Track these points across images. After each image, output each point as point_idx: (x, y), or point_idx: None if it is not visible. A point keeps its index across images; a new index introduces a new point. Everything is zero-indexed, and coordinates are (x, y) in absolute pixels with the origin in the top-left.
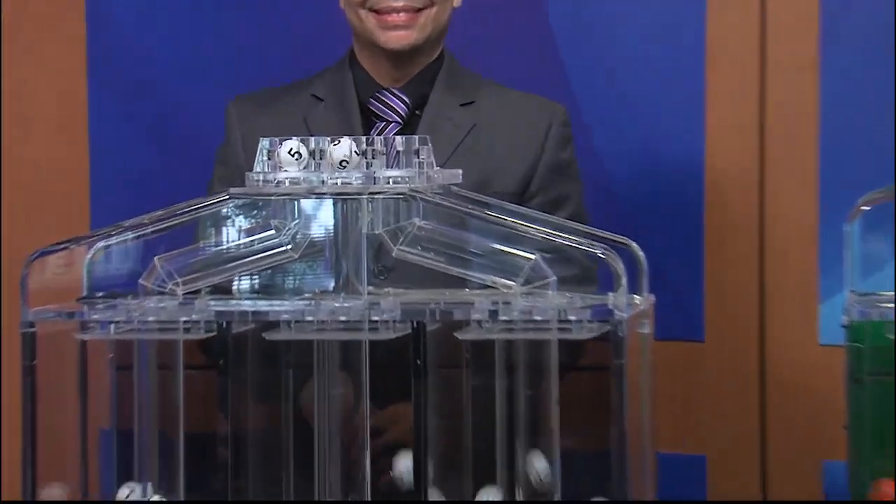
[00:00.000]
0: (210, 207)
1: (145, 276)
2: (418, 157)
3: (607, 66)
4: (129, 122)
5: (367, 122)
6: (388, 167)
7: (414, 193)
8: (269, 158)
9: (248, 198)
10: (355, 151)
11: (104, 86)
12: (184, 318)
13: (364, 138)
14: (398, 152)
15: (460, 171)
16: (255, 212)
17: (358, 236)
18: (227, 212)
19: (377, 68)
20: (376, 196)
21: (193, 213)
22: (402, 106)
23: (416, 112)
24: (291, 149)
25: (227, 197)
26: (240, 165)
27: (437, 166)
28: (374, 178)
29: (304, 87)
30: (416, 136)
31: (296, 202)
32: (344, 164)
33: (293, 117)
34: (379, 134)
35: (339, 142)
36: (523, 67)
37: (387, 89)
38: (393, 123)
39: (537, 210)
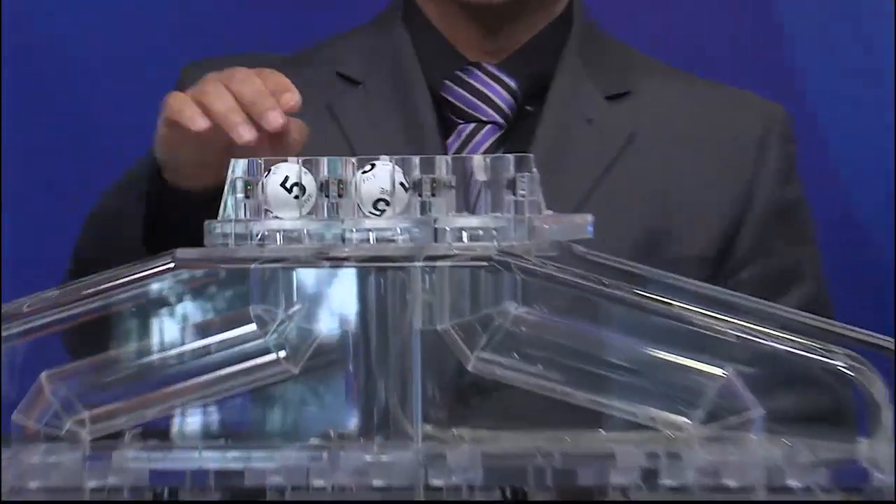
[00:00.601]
0: (139, 284)
1: (24, 406)
2: (515, 193)
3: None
4: (40, 127)
5: (443, 123)
6: (461, 211)
7: (506, 259)
8: (246, 195)
9: (207, 266)
10: (402, 183)
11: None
12: (93, 485)
13: (421, 162)
14: (479, 184)
15: (590, 219)
16: (222, 290)
17: (406, 335)
18: (170, 290)
19: (456, 31)
20: (438, 264)
21: (110, 293)
22: (505, 95)
23: (528, 107)
24: (287, 178)
25: (171, 263)
26: None
27: (548, 209)
28: (436, 230)
29: (321, 59)
30: (512, 156)
31: (293, 274)
32: (382, 205)
33: (307, 111)
34: (463, 146)
35: (374, 166)
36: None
37: (475, 65)
38: (489, 127)
39: (744, 290)
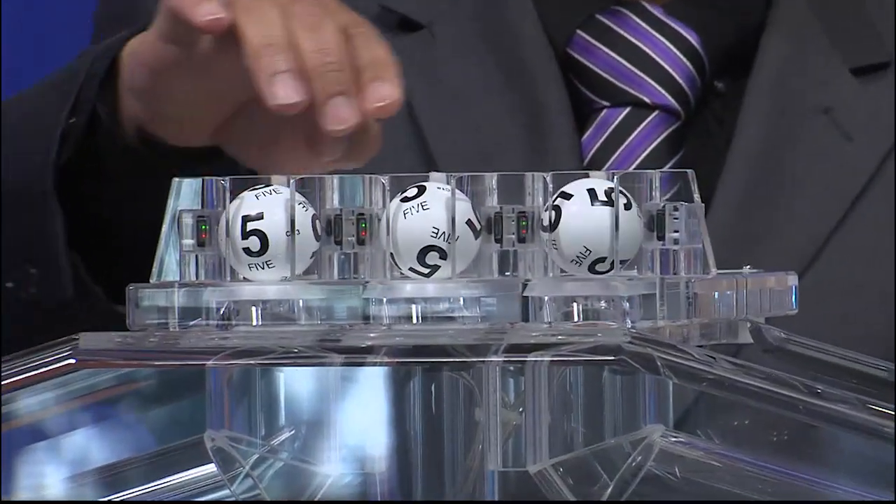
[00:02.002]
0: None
1: None
2: (663, 237)
3: None
4: None
5: (575, 104)
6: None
7: (649, 352)
8: (198, 241)
9: (129, 365)
10: (469, 221)
11: None
12: None
13: (501, 183)
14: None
15: (794, 281)
16: (155, 406)
17: (475, 481)
18: (65, 403)
19: None
20: (531, 360)
21: None
22: (682, 61)
23: (717, 84)
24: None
25: (70, 359)
26: None
27: (749, 267)
28: (528, 301)
29: None
30: (657, 174)
31: (279, 379)
32: (434, 257)
33: None
34: (611, 146)
35: (421, 190)
36: None
37: (630, 6)
38: (656, 115)
39: None
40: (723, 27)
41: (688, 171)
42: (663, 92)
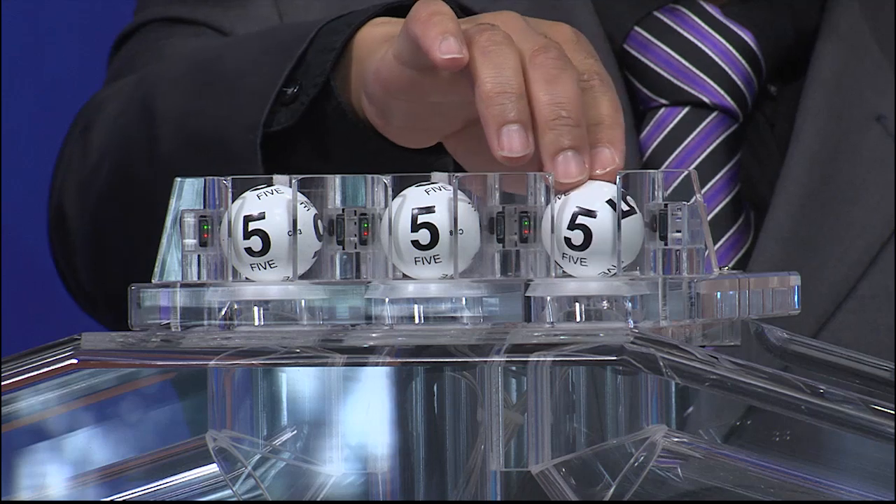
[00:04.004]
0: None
1: None
2: (666, 237)
3: None
4: None
5: (631, 101)
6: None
7: (651, 352)
8: (200, 241)
9: (129, 365)
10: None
11: None
12: None
13: (503, 181)
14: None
15: (796, 282)
16: (156, 405)
17: (477, 481)
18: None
19: None
20: (534, 360)
21: None
22: (740, 62)
23: (771, 87)
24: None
25: (72, 359)
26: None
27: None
28: (530, 301)
29: None
30: (659, 174)
31: (281, 379)
32: (433, 257)
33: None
34: (668, 146)
35: (425, 189)
36: None
37: (689, 4)
38: (715, 116)
39: None
40: (779, 29)
41: (690, 170)
42: (722, 92)
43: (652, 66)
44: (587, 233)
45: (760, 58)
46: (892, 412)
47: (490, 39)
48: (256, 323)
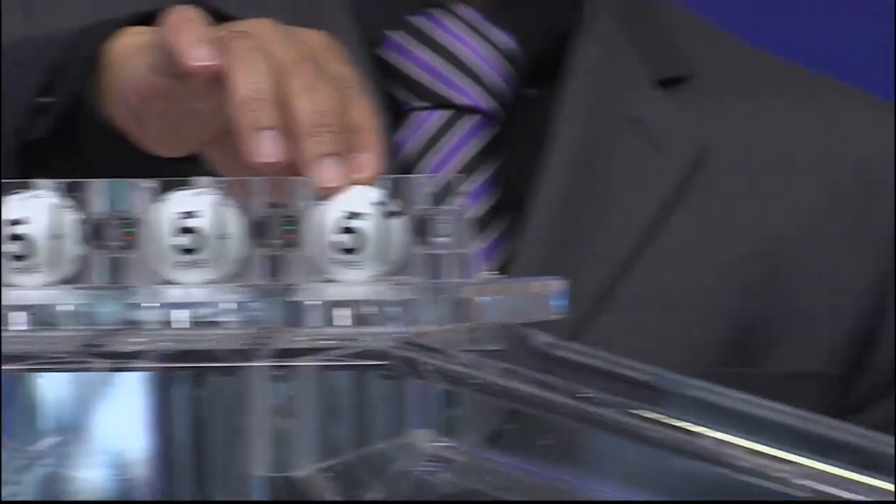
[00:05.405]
0: None
1: None
2: (431, 241)
3: None
4: None
5: (391, 105)
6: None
7: (414, 356)
8: None
9: None
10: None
11: None
12: None
13: (257, 186)
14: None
15: (560, 286)
16: None
17: (239, 488)
18: None
19: None
20: (296, 365)
21: None
22: (498, 62)
23: (529, 91)
24: (20, 219)
25: None
26: None
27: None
28: (293, 306)
29: None
30: (423, 178)
31: (37, 385)
32: (194, 259)
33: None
34: (427, 150)
35: (183, 189)
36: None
37: (443, 7)
38: (474, 119)
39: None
40: (538, 32)
41: (456, 176)
42: (481, 95)
43: (410, 70)
44: (355, 236)
45: (520, 61)
46: (651, 415)
47: (244, 46)
48: (18, 328)
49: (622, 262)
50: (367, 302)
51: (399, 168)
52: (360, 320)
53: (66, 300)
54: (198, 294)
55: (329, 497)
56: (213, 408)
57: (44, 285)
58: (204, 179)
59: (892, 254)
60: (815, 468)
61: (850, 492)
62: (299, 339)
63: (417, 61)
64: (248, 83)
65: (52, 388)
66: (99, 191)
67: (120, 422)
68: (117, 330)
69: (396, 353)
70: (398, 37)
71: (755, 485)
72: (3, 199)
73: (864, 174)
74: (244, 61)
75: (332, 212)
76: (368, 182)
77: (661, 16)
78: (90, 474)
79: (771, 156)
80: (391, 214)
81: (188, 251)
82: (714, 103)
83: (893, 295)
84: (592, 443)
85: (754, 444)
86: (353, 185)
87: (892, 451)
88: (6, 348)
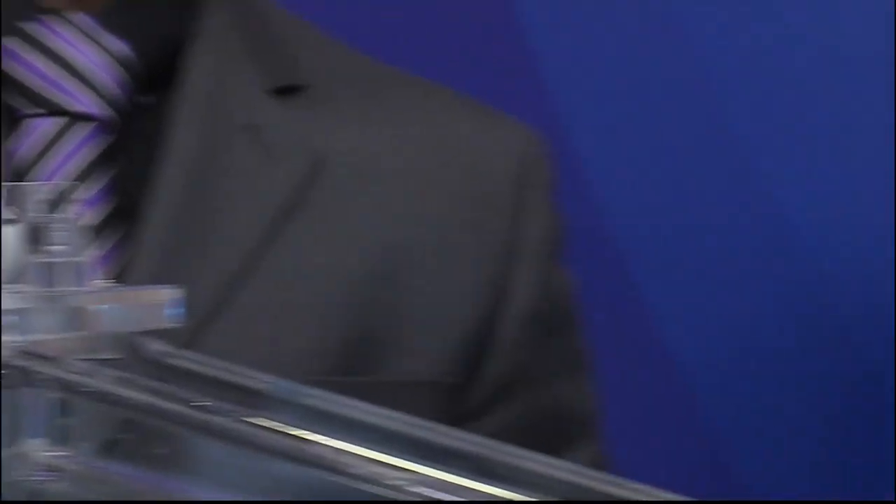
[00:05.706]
0: None
1: None
2: (47, 250)
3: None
4: None
5: (7, 111)
6: None
7: (26, 365)
8: None
9: None
10: None
11: None
12: None
13: None
14: None
15: (173, 295)
16: None
17: None
18: None
19: None
20: None
21: None
22: (110, 68)
23: (142, 98)
24: None
25: None
26: None
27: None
28: None
29: None
30: (36, 186)
31: None
32: None
33: None
34: (43, 157)
35: None
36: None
37: (53, 14)
38: (87, 127)
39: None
40: (155, 38)
41: (70, 183)
42: (94, 102)
43: (23, 77)
44: None
45: (135, 67)
46: (267, 423)
47: None
48: None
49: (237, 270)
50: None
51: (12, 175)
52: None
53: None
54: None
55: None
56: None
57: None
58: None
59: (502, 261)
60: (429, 475)
61: (465, 498)
62: None
63: (30, 68)
64: None
65: None
66: None
67: None
68: None
69: (10, 362)
70: (11, 43)
71: (369, 492)
72: None
73: (475, 182)
74: None
75: None
76: None
77: (279, 24)
78: None
79: (387, 165)
80: (5, 222)
81: None
82: (331, 112)
83: (506, 303)
84: (208, 452)
85: (370, 451)
86: None
87: (508, 458)
88: None
